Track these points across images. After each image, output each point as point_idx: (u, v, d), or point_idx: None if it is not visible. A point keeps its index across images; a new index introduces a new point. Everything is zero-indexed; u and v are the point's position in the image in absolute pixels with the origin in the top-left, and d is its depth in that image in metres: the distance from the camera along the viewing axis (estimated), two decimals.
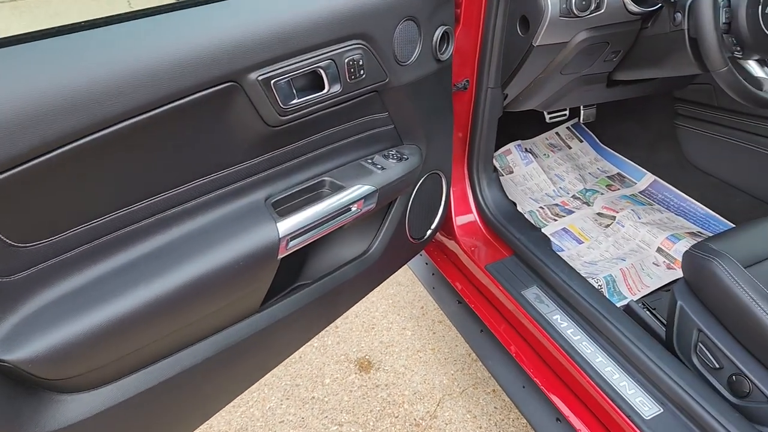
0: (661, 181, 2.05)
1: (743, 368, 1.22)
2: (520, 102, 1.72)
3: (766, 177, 1.79)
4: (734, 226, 1.86)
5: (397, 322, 1.97)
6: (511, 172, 2.09)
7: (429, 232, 1.53)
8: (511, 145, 2.15)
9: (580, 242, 1.85)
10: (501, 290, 1.57)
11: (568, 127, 2.28)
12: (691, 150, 2.00)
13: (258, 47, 0.93)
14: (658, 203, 1.99)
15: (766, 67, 1.40)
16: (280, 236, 1.04)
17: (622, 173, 2.13)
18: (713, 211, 1.92)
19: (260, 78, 0.95)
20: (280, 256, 1.06)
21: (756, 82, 1.40)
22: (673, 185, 2.02)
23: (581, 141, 2.25)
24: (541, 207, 1.97)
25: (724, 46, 1.34)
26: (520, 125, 2.17)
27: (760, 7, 1.33)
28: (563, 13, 1.44)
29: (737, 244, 1.34)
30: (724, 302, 1.26)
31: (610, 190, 2.06)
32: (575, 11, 1.43)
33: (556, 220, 1.93)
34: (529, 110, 1.80)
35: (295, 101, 1.03)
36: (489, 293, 1.64)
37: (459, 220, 1.76)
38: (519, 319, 1.53)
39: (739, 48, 1.37)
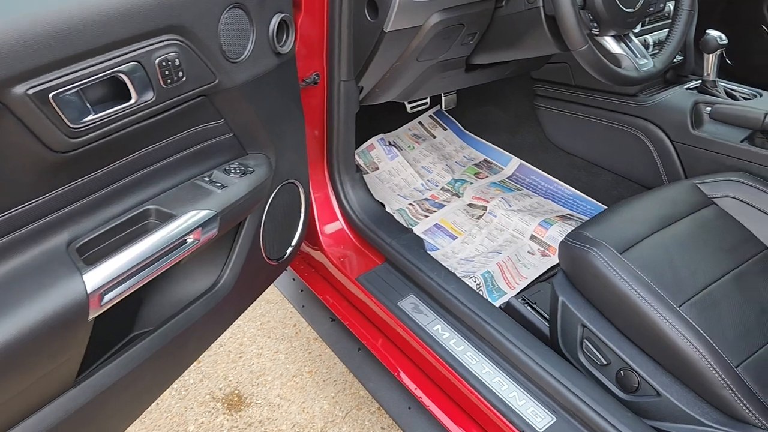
0: (527, 164, 2.00)
1: (630, 362, 1.16)
2: (377, 94, 1.58)
3: (625, 154, 1.78)
4: (601, 204, 1.85)
5: (268, 346, 1.78)
6: (377, 169, 1.96)
7: (290, 249, 1.35)
8: (374, 140, 2.01)
9: (454, 237, 1.76)
10: (376, 303, 1.43)
11: (430, 116, 2.18)
12: (552, 130, 1.97)
13: (22, 49, 0.70)
14: (526, 188, 1.95)
15: (622, 43, 1.36)
16: (90, 291, 0.82)
17: (489, 159, 2.07)
18: (579, 191, 1.89)
19: (31, 91, 0.72)
20: (93, 316, 0.83)
21: (614, 59, 1.35)
22: (538, 168, 1.98)
23: (445, 129, 2.16)
24: (411, 204, 1.85)
25: (582, 22, 1.27)
26: (382, 117, 2.04)
27: None
28: None
29: (610, 230, 1.28)
30: (604, 293, 1.19)
31: (478, 178, 1.98)
32: None
33: (427, 216, 1.81)
34: (389, 101, 1.67)
35: (90, 117, 0.80)
36: (364, 307, 1.49)
37: (324, 229, 1.59)
38: (398, 333, 1.39)
39: (595, 24, 1.31)
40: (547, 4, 1.33)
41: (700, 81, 1.72)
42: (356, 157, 1.95)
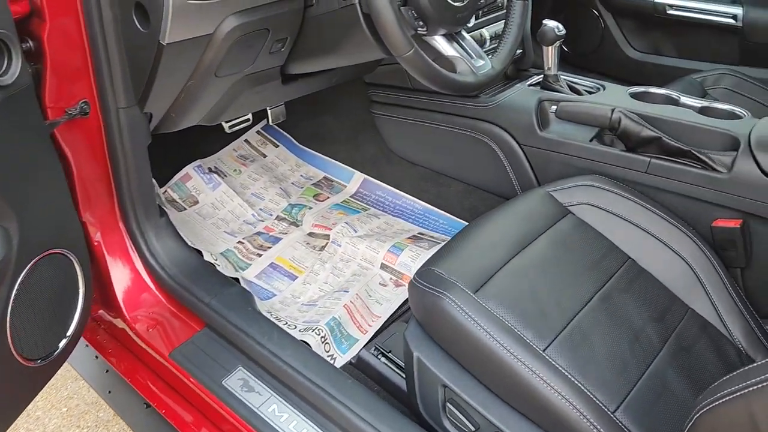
0: (372, 179, 1.79)
1: (501, 425, 0.97)
2: (173, 120, 1.27)
3: (473, 161, 1.62)
4: (452, 217, 1.67)
5: None
6: (196, 203, 1.65)
7: (64, 342, 1.02)
8: (189, 168, 1.69)
9: (293, 278, 1.50)
10: (196, 384, 1.14)
11: (258, 132, 1.90)
12: (394, 140, 1.77)
13: None
14: (372, 206, 1.73)
15: (454, 43, 1.16)
16: None
17: (329, 176, 1.83)
18: (430, 204, 1.71)
19: None
20: None
21: (448, 63, 1.15)
22: (384, 182, 1.77)
23: (277, 145, 1.89)
24: (240, 242, 1.57)
25: (404, 22, 1.05)
26: (198, 138, 1.72)
27: None
28: None
29: (462, 262, 1.10)
30: (462, 344, 1.00)
31: (318, 200, 1.73)
32: None
33: (260, 255, 1.54)
34: None
35: None
36: (183, 389, 1.19)
37: (125, 293, 1.27)
38: (227, 420, 1.11)
39: (421, 23, 1.10)
40: (363, 2, 1.10)
41: (542, 75, 1.58)
42: (170, 192, 1.63)
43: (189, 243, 1.40)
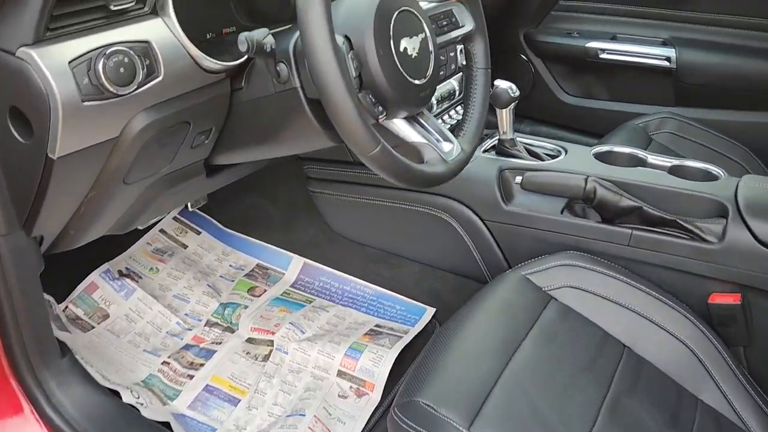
0: (313, 263, 1.57)
1: None
2: (72, 237, 1.01)
3: (430, 240, 1.44)
4: (411, 301, 1.48)
5: None
6: (107, 317, 1.36)
7: None
8: (94, 275, 1.41)
9: (235, 402, 1.25)
10: None
11: (176, 218, 1.64)
12: (337, 220, 1.57)
13: None
14: (318, 295, 1.51)
15: (417, 125, 0.98)
16: None
17: (264, 263, 1.59)
18: (383, 287, 1.51)
19: None
20: None
21: (413, 151, 0.96)
22: (328, 266, 1.56)
23: (199, 232, 1.63)
24: (165, 362, 1.30)
25: (365, 112, 0.87)
26: (103, 237, 1.44)
27: (392, 43, 0.89)
28: (89, 94, 0.78)
29: (448, 384, 0.93)
30: None
31: (254, 295, 1.49)
32: (110, 86, 0.79)
33: (192, 377, 1.28)
34: None
35: None
36: None
37: None
38: None
39: (381, 108, 0.91)
40: (308, 85, 0.90)
41: (496, 138, 1.44)
42: (72, 308, 1.34)
43: (102, 379, 1.13)
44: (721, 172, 1.29)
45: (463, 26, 1.07)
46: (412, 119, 0.98)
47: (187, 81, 0.91)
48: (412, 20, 0.94)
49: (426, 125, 1.00)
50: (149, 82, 0.85)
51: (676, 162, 1.33)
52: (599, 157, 1.36)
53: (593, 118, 2.12)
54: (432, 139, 0.98)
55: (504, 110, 1.37)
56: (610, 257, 1.22)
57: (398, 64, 0.90)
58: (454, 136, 1.05)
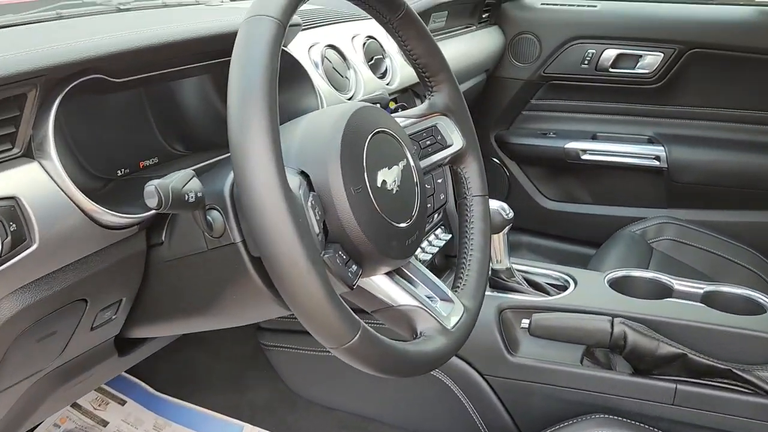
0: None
1: None
2: None
3: (418, 403, 1.15)
4: None
5: None
6: None
7: None
8: None
9: None
10: None
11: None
12: (295, 378, 1.26)
13: None
14: None
15: (402, 280, 0.72)
16: None
17: None
18: None
19: None
20: None
21: (400, 318, 0.70)
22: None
23: (123, 402, 1.30)
24: None
25: (335, 279, 0.60)
26: None
27: (366, 177, 0.65)
28: None
29: None
30: None
31: None
32: None
33: None
34: None
35: None
36: None
37: None
38: None
39: (355, 266, 0.64)
40: (251, 242, 0.64)
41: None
42: None
43: None
44: (765, 300, 1.06)
45: (450, 145, 0.84)
46: (396, 274, 0.72)
47: (78, 245, 0.64)
48: (390, 144, 0.70)
49: (416, 280, 0.74)
50: (17, 254, 0.57)
51: (708, 288, 1.10)
52: (615, 285, 1.12)
53: (579, 225, 1.92)
54: (425, 300, 0.72)
55: (496, 235, 1.13)
56: (651, 420, 0.96)
57: (376, 204, 0.65)
58: (448, 283, 0.79)
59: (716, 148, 1.74)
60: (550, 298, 1.09)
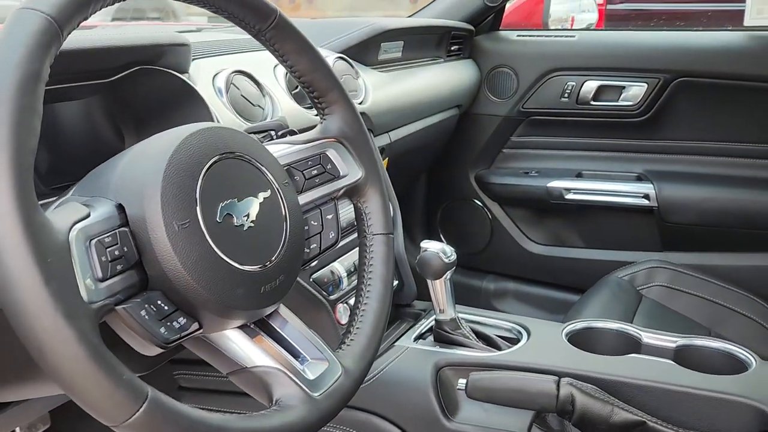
0: None
1: None
2: None
3: None
4: None
5: None
6: None
7: None
8: None
9: None
10: None
11: None
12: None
13: None
14: None
15: (263, 334, 0.59)
16: None
17: None
18: None
19: None
20: None
21: (254, 381, 0.57)
22: None
23: None
24: None
25: (136, 328, 0.49)
26: None
27: (199, 210, 0.53)
28: None
29: None
30: None
31: None
32: None
33: None
34: None
35: None
36: None
37: None
38: None
39: (182, 315, 0.52)
40: None
41: (432, 319, 1.05)
42: None
43: None
44: (750, 357, 0.90)
45: (345, 175, 0.73)
46: (258, 328, 0.60)
47: None
48: (245, 172, 0.59)
49: (283, 335, 0.61)
50: None
51: (682, 342, 0.95)
52: (575, 339, 0.97)
53: (567, 270, 1.76)
54: (289, 361, 0.59)
55: (438, 281, 0.99)
56: None
57: (212, 243, 0.53)
58: (340, 342, 0.66)
59: (710, 185, 1.59)
60: (494, 354, 0.94)
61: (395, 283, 1.12)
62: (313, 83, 0.70)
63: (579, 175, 1.73)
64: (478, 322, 1.06)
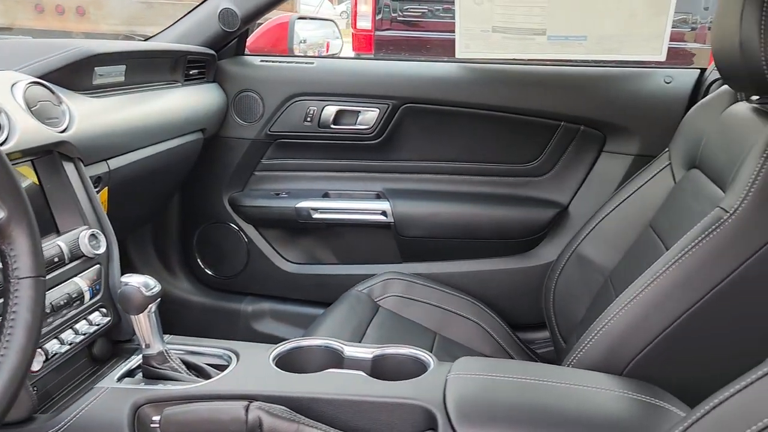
0: None
1: None
2: None
3: None
4: None
5: None
6: None
7: None
8: None
9: None
10: None
11: None
12: None
13: None
14: None
15: None
16: None
17: None
18: None
19: None
20: None
21: None
22: None
23: None
24: None
25: None
26: None
27: None
28: None
29: None
30: None
31: None
32: None
33: None
34: None
35: None
36: None
37: None
38: None
39: None
40: None
41: (141, 355, 1.02)
42: None
43: None
44: (430, 358, 1.00)
45: None
46: None
47: None
48: None
49: None
50: None
51: (378, 352, 1.03)
52: (283, 361, 1.01)
53: (318, 286, 1.82)
54: None
55: (141, 316, 0.96)
56: None
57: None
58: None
59: (436, 201, 1.75)
60: (194, 385, 0.94)
61: (108, 320, 1.07)
62: None
63: (325, 195, 1.80)
64: (191, 352, 1.04)
